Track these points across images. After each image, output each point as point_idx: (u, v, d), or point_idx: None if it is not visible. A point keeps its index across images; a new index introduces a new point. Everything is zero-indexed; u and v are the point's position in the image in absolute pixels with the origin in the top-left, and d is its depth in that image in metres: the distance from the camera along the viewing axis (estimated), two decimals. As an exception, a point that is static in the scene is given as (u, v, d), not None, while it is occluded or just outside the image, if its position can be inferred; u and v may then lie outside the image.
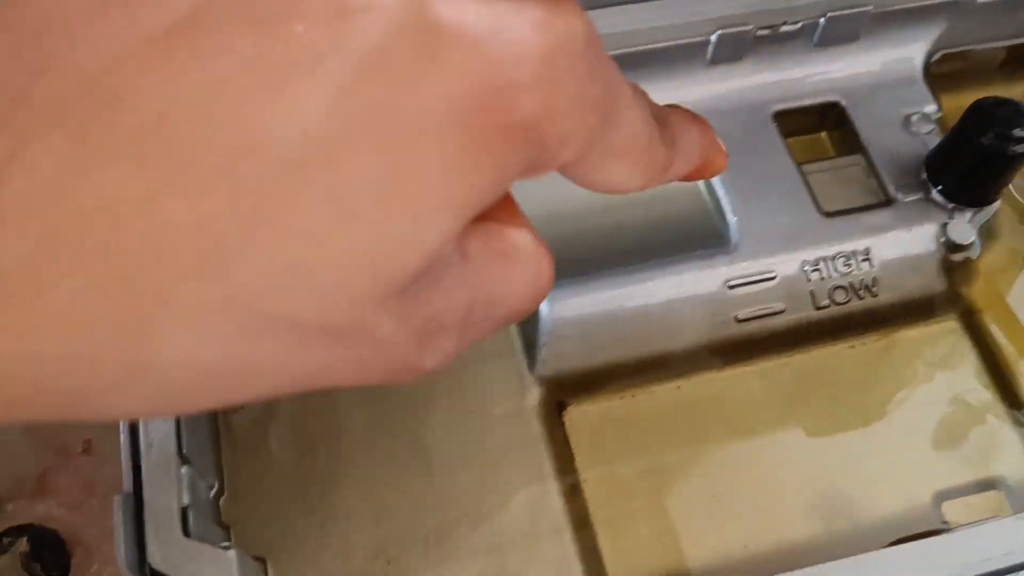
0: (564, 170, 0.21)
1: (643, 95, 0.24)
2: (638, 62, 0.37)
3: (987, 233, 0.37)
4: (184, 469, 0.27)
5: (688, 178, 0.28)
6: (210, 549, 0.26)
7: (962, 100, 0.41)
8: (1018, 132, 0.34)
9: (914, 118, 0.39)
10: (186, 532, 0.26)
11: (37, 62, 0.13)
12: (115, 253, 0.13)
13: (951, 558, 0.27)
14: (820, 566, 0.27)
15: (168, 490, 0.26)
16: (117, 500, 0.25)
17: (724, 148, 0.30)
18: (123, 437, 0.27)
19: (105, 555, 0.34)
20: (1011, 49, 0.42)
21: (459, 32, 0.17)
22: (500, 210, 0.21)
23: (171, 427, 0.27)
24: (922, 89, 0.40)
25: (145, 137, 0.14)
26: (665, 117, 0.26)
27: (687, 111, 0.28)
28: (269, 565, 0.30)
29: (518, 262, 0.21)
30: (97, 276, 0.13)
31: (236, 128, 0.14)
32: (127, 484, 0.26)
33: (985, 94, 0.36)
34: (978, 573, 0.27)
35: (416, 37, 0.16)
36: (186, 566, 0.25)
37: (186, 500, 0.27)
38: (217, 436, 0.32)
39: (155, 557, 0.25)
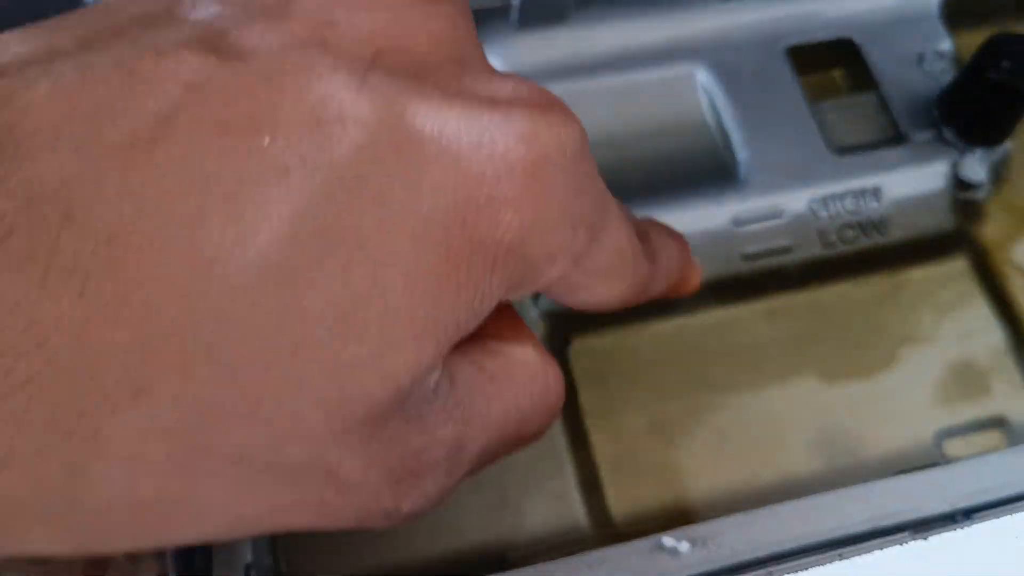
0: (547, 288, 0.19)
1: (625, 208, 0.22)
2: (649, -6, 0.36)
3: (998, 173, 0.37)
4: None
5: (664, 295, 0.26)
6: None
7: (977, 39, 0.40)
8: (1036, 69, 0.34)
9: (928, 56, 0.38)
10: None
11: None
12: (44, 385, 0.12)
13: (949, 488, 0.27)
14: (818, 495, 0.27)
15: None
16: None
17: (699, 266, 0.28)
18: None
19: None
20: (1029, -13, 0.41)
21: (438, 145, 0.15)
22: (497, 323, 0.19)
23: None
24: (937, 26, 0.39)
25: (90, 260, 0.13)
26: (646, 232, 0.24)
27: (664, 226, 0.26)
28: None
29: (519, 383, 0.19)
30: (24, 410, 0.12)
31: (186, 250, 0.13)
32: None
33: (1001, 32, 0.35)
34: (976, 503, 0.27)
35: (391, 151, 0.15)
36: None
37: None
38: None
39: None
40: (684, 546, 0.25)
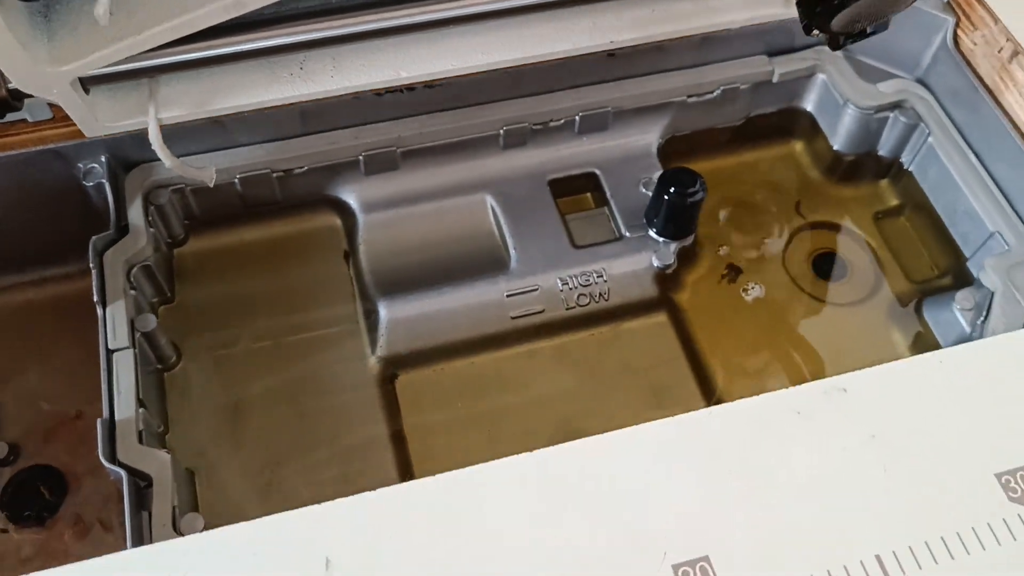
0: None
1: None
2: (454, 149, 0.56)
3: (683, 257, 0.55)
4: (140, 410, 0.45)
5: None
6: (154, 451, 0.43)
7: (687, 165, 0.59)
8: (691, 190, 0.53)
9: (644, 181, 0.57)
10: (140, 443, 0.43)
11: None
12: None
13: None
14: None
15: (131, 419, 0.44)
16: (100, 422, 0.43)
17: None
18: (104, 389, 0.44)
19: (90, 485, 0.51)
20: (721, 131, 0.61)
21: None
22: None
23: (132, 383, 0.44)
24: (654, 161, 0.58)
25: None
26: None
27: None
28: (196, 474, 0.47)
29: None
30: None
31: None
32: (106, 414, 0.43)
33: (706, 162, 0.55)
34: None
35: None
36: (139, 461, 0.42)
37: (140, 427, 0.44)
38: (164, 393, 0.49)
39: (121, 454, 0.42)
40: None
